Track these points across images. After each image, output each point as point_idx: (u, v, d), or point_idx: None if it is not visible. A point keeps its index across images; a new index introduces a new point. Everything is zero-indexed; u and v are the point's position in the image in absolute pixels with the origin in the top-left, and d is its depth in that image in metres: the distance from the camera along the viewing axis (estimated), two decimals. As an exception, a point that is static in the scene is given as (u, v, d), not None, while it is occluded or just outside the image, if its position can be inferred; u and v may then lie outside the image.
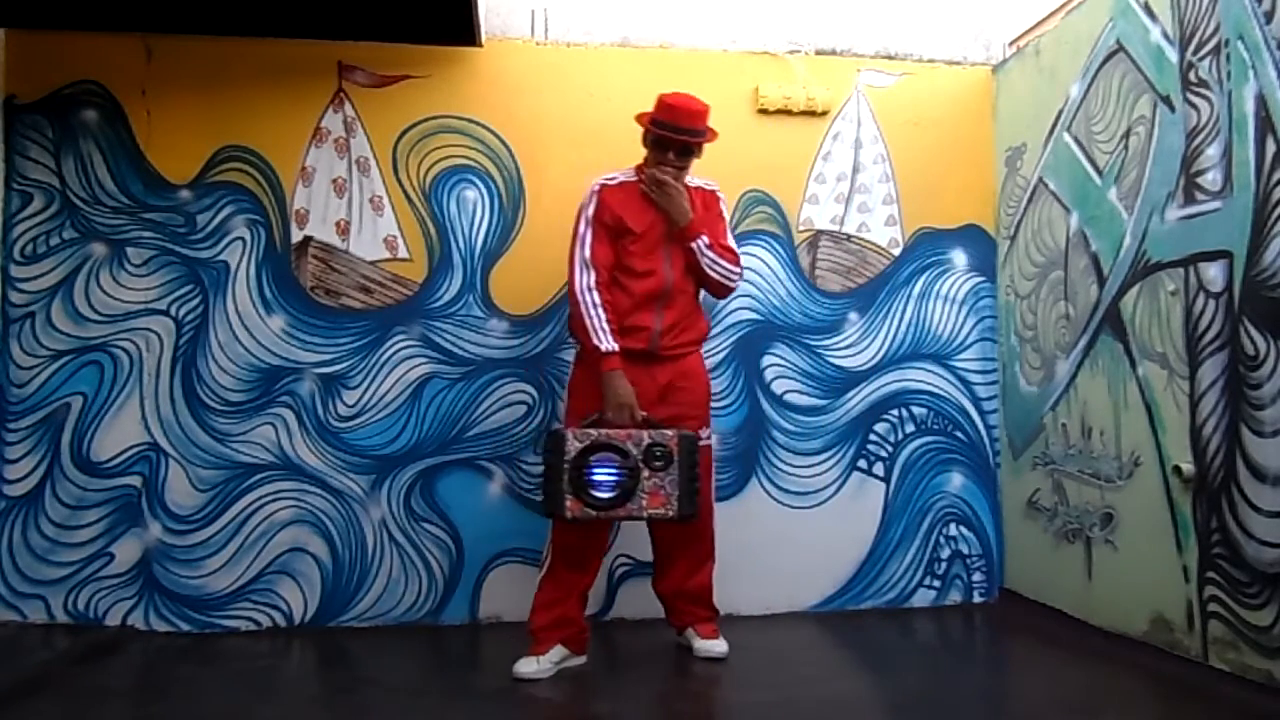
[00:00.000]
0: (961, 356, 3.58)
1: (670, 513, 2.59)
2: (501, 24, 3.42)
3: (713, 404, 3.37)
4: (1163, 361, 2.71)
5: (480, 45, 3.32)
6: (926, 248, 3.58)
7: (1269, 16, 2.35)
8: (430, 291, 3.31)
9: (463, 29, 3.17)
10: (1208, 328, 2.54)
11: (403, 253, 3.32)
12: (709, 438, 2.91)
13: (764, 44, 3.55)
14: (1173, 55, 2.69)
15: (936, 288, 3.58)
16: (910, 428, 3.54)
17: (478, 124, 3.36)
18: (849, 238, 3.55)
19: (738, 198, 3.47)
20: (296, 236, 3.28)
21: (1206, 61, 2.56)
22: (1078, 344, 3.11)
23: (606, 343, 2.69)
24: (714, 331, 3.42)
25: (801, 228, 3.53)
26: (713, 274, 2.85)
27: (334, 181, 3.30)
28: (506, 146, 3.36)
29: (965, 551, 3.54)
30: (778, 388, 3.47)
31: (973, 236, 3.62)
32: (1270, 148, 2.34)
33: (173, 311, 3.21)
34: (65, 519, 3.13)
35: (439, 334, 3.30)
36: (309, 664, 2.82)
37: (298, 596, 3.17)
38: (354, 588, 3.22)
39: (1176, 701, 2.47)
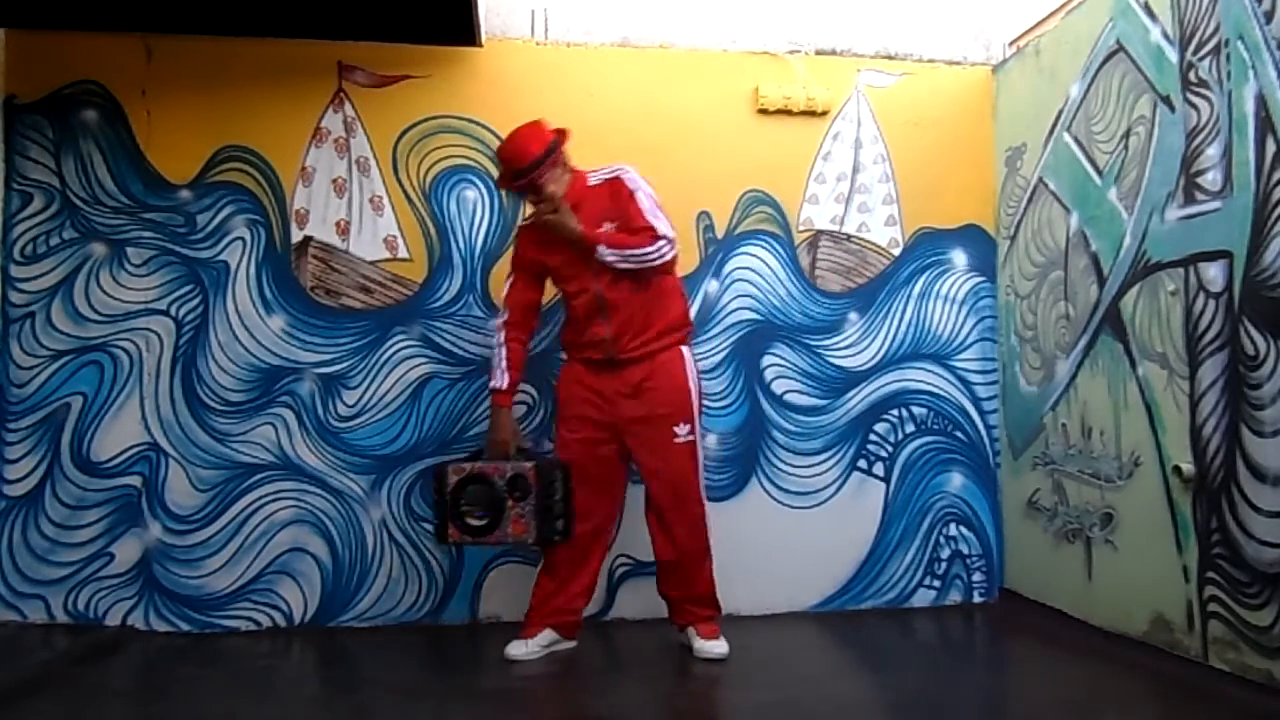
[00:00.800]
0: (961, 356, 3.58)
1: (529, 538, 2.78)
2: (501, 24, 3.42)
3: (713, 404, 3.39)
4: (1163, 361, 2.71)
5: (480, 45, 3.32)
6: (926, 248, 3.58)
7: (1269, 16, 2.35)
8: (430, 291, 3.31)
9: (463, 29, 3.17)
10: (1208, 328, 2.54)
11: (403, 253, 3.32)
12: (689, 435, 2.88)
13: (764, 44, 3.55)
14: (1173, 55, 2.69)
15: (936, 288, 3.58)
16: (910, 428, 3.54)
17: (478, 124, 3.36)
18: (849, 238, 3.55)
19: (738, 198, 3.48)
20: (296, 236, 3.28)
21: (1206, 61, 2.56)
22: (1078, 344, 3.11)
23: (496, 380, 2.92)
24: (714, 331, 3.43)
25: (801, 228, 3.53)
26: (627, 268, 2.80)
27: (334, 181, 3.30)
28: (506, 146, 3.36)
29: (965, 551, 3.54)
30: (778, 388, 3.47)
31: (973, 236, 3.62)
32: (1270, 148, 2.34)
33: (173, 311, 3.21)
34: (65, 519, 3.13)
35: (439, 334, 3.30)
36: (309, 664, 2.82)
37: (298, 596, 3.17)
38: (354, 588, 3.22)
39: (1176, 701, 2.47)
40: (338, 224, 3.30)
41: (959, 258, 3.60)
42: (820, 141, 3.55)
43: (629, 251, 2.77)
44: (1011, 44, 3.66)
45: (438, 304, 3.30)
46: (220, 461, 3.20)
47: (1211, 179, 2.54)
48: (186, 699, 2.52)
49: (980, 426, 3.58)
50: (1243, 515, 2.41)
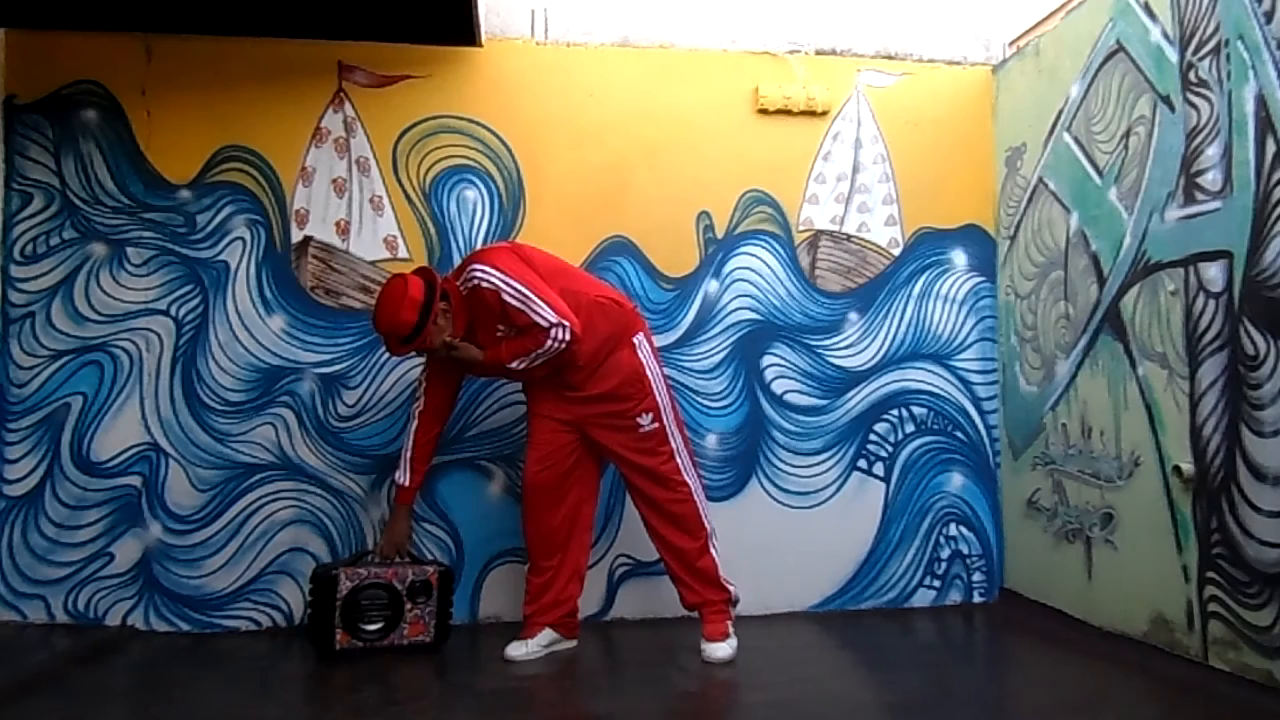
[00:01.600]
0: (961, 356, 3.58)
1: (428, 639, 2.91)
2: (501, 24, 3.42)
3: (713, 404, 3.40)
4: (1163, 361, 2.71)
5: (480, 45, 3.32)
6: (926, 248, 3.59)
7: (1269, 16, 2.35)
8: (430, 291, 3.31)
9: (463, 29, 3.17)
10: (1208, 328, 2.54)
11: (403, 253, 3.32)
12: (653, 423, 2.86)
13: (764, 44, 3.55)
14: (1173, 55, 2.69)
15: (936, 288, 3.58)
16: (910, 428, 3.54)
17: (478, 124, 3.36)
18: (849, 238, 3.55)
19: (738, 198, 3.48)
20: (296, 236, 3.28)
21: (1206, 61, 2.56)
22: (1078, 344, 3.11)
23: (401, 475, 2.94)
24: (714, 331, 3.44)
25: (801, 228, 3.53)
26: (544, 363, 2.78)
27: (334, 181, 3.30)
28: (506, 146, 3.36)
29: (965, 551, 3.54)
30: (778, 388, 3.47)
31: (973, 236, 3.62)
32: (1270, 148, 2.34)
33: (173, 311, 3.21)
34: (65, 519, 3.13)
35: (439, 334, 3.30)
36: (309, 664, 2.82)
37: (298, 596, 3.17)
38: (354, 588, 3.22)
39: (1176, 701, 2.47)
40: (338, 224, 3.30)
41: (959, 258, 3.60)
42: (820, 141, 3.55)
43: (534, 353, 2.74)
44: (1011, 44, 3.66)
45: (438, 304, 3.30)
46: (220, 461, 3.20)
47: (1211, 179, 2.54)
48: (186, 699, 2.52)
49: (980, 426, 3.58)
50: (1243, 515, 2.41)
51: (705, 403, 3.42)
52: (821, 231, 3.54)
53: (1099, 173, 3.02)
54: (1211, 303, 2.53)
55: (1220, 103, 2.51)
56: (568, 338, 2.71)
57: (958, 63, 3.66)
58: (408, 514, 3.02)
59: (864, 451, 3.51)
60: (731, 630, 2.87)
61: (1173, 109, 2.69)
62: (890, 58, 3.62)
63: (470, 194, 3.35)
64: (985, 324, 3.60)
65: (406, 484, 2.94)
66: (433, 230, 3.33)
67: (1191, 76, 2.62)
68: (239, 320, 3.23)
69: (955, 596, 3.53)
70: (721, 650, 2.82)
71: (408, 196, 3.33)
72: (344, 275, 3.29)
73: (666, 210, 3.43)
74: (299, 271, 3.27)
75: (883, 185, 3.58)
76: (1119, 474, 2.90)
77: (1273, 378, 2.32)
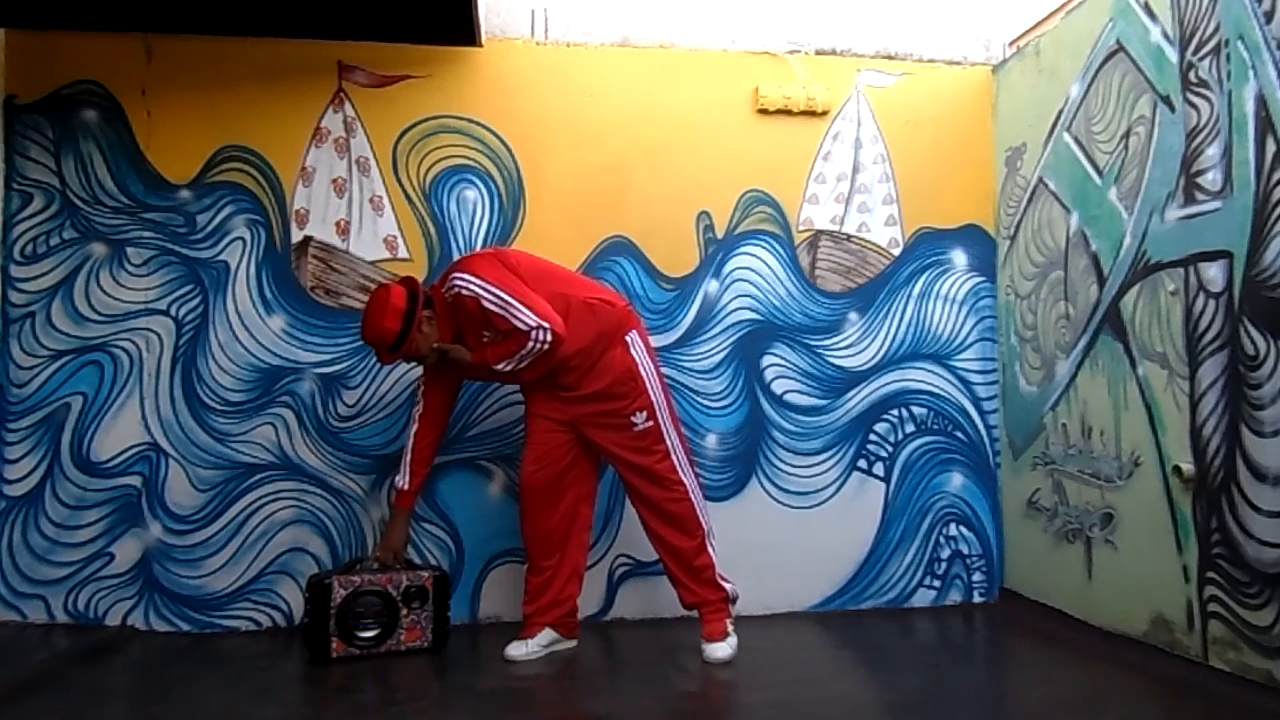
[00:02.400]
0: (961, 356, 3.58)
1: (426, 644, 2.91)
2: (501, 24, 3.42)
3: (713, 404, 3.40)
4: (1163, 361, 2.71)
5: (480, 45, 3.32)
6: (926, 248, 3.59)
7: (1269, 16, 2.35)
8: (430, 291, 3.31)
9: (463, 29, 3.17)
10: (1208, 328, 2.54)
11: (403, 253, 3.32)
12: (647, 421, 2.86)
13: (764, 44, 3.55)
14: (1173, 55, 2.69)
15: (936, 288, 3.58)
16: (910, 428, 3.54)
17: (478, 124, 3.36)
18: (849, 238, 3.55)
19: (738, 198, 3.48)
20: (296, 236, 3.28)
21: (1206, 61, 2.56)
22: (1078, 344, 3.11)
23: (401, 478, 2.95)
24: (714, 331, 3.44)
25: (801, 228, 3.53)
26: (529, 364, 2.79)
27: (334, 181, 3.30)
28: (506, 146, 3.36)
29: (965, 551, 3.54)
30: (778, 388, 3.47)
31: (973, 236, 3.62)
32: (1270, 148, 2.34)
33: (173, 311, 3.21)
34: (65, 519, 3.13)
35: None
36: (309, 664, 2.81)
37: (297, 596, 3.17)
38: (354, 588, 3.22)
39: (1176, 701, 2.47)
40: (338, 224, 3.30)
41: (959, 258, 3.60)
42: (820, 141, 3.55)
43: (518, 355, 2.75)
44: (1011, 44, 3.66)
45: (438, 304, 3.30)
46: (220, 461, 3.20)
47: (1211, 179, 2.54)
48: (186, 699, 2.52)
49: (980, 426, 3.58)
50: (1243, 515, 2.41)
51: (705, 403, 3.42)
52: (821, 231, 3.54)
53: (1099, 173, 3.02)
54: (1211, 303, 2.53)
55: (1220, 103, 2.51)
56: (549, 339, 2.72)
57: (958, 63, 3.66)
58: (406, 519, 3.02)
59: (864, 451, 3.51)
60: (731, 629, 2.87)
61: (1173, 109, 2.69)
62: (890, 58, 3.62)
63: (470, 194, 3.35)
64: (985, 324, 3.60)
65: (405, 487, 2.94)
66: (433, 230, 3.33)
67: (1191, 76, 2.62)
68: (239, 320, 3.23)
69: (955, 596, 3.53)
70: (721, 650, 2.82)
71: (408, 196, 3.33)
72: (344, 275, 3.29)
73: (666, 210, 3.43)
74: (299, 271, 3.27)
75: (883, 185, 3.58)
76: (1119, 474, 2.90)
77: (1273, 378, 2.32)
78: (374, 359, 3.25)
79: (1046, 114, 3.28)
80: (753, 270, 3.47)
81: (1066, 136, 3.19)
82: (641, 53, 3.48)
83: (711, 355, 3.43)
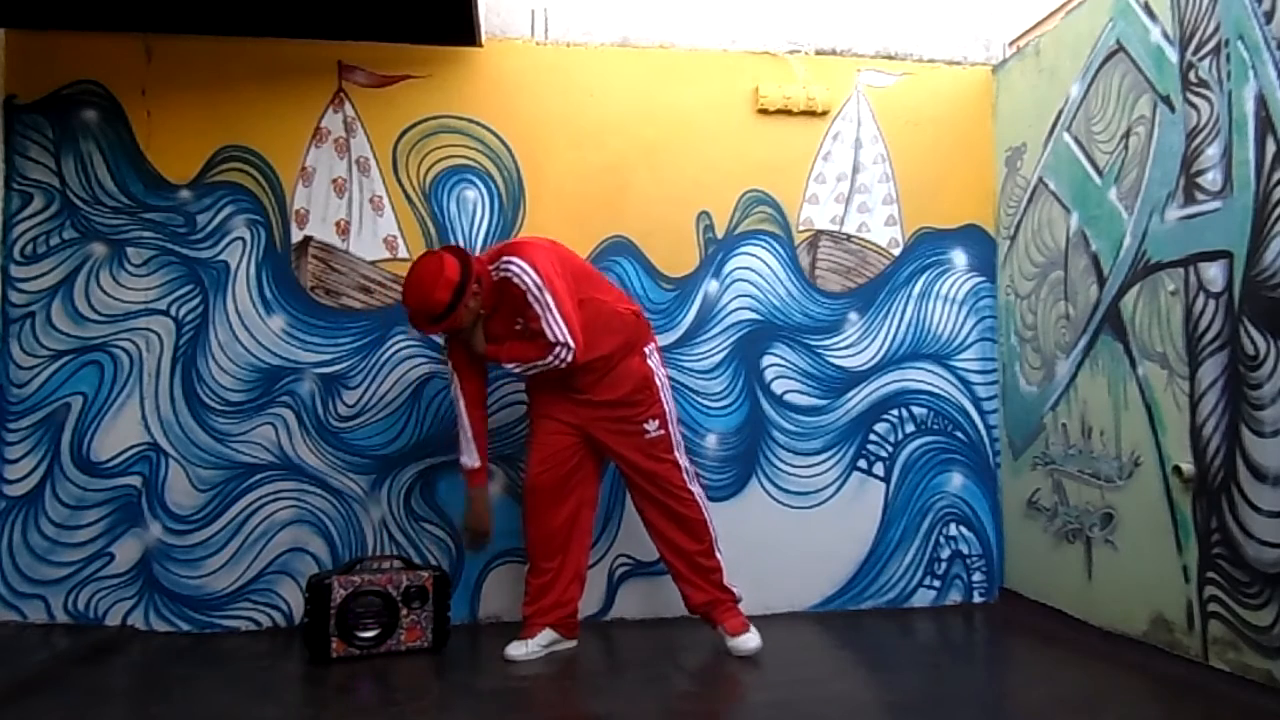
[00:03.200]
0: (961, 356, 3.58)
1: (426, 644, 2.90)
2: (501, 24, 3.42)
3: (713, 404, 3.40)
4: (1163, 361, 2.71)
5: (480, 45, 3.32)
6: (926, 248, 3.59)
7: (1269, 16, 2.35)
8: (430, 291, 3.31)
9: (463, 29, 3.17)
10: (1208, 328, 2.54)
11: (403, 253, 3.32)
12: (659, 429, 2.88)
13: (764, 44, 3.55)
14: (1173, 55, 2.69)
15: (936, 288, 3.58)
16: (910, 428, 3.54)
17: (478, 124, 3.36)
18: (849, 238, 3.55)
19: (738, 198, 3.48)
20: (296, 236, 3.28)
21: (1206, 61, 2.56)
22: (1078, 344, 3.11)
23: (468, 457, 2.89)
24: (714, 331, 3.44)
25: (801, 228, 3.53)
26: (535, 374, 2.82)
27: (334, 181, 3.30)
28: (506, 146, 3.36)
29: (965, 551, 3.54)
30: (778, 388, 3.47)
31: (973, 236, 3.62)
32: (1270, 148, 2.34)
33: (173, 311, 3.21)
34: (65, 519, 3.12)
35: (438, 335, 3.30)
36: (308, 664, 2.81)
37: (297, 596, 3.16)
38: (354, 588, 3.22)
39: (1176, 701, 2.47)
40: (338, 224, 3.30)
41: (959, 258, 3.60)
42: (820, 141, 3.55)
43: (531, 363, 2.78)
44: (1011, 44, 3.66)
45: (438, 304, 3.30)
46: (220, 461, 3.20)
47: (1211, 179, 2.54)
48: (186, 699, 2.52)
49: (980, 426, 3.58)
50: (1243, 515, 2.41)
51: (705, 403, 3.42)
52: (821, 231, 3.54)
53: (1099, 173, 3.02)
54: (1211, 303, 2.53)
55: (1220, 103, 2.51)
56: (569, 359, 2.73)
57: (958, 63, 3.66)
58: (485, 495, 2.96)
59: (864, 451, 3.51)
60: (750, 624, 2.89)
61: (1173, 109, 2.69)
62: (890, 58, 3.62)
63: (470, 194, 3.35)
64: (985, 324, 3.60)
65: (477, 465, 2.88)
66: (433, 230, 3.33)
67: (1191, 76, 2.62)
68: (239, 320, 3.23)
69: (955, 596, 3.53)
70: (750, 641, 2.84)
71: (408, 196, 3.33)
72: (344, 275, 3.29)
73: (666, 210, 3.43)
74: (299, 271, 3.27)
75: (883, 185, 3.58)
76: (1119, 474, 2.90)
77: (1273, 378, 2.32)
78: (374, 359, 3.26)
79: (1046, 114, 3.28)
80: (753, 270, 3.47)
81: (1066, 136, 3.19)
82: (641, 53, 3.48)
83: (711, 355, 3.43)
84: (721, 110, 3.49)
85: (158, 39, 3.23)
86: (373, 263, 3.30)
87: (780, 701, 2.51)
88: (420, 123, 3.34)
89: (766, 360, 3.47)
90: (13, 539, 3.11)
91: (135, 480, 3.16)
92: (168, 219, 3.22)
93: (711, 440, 3.41)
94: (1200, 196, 2.58)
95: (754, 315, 3.47)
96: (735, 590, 2.94)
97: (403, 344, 3.28)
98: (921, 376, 3.55)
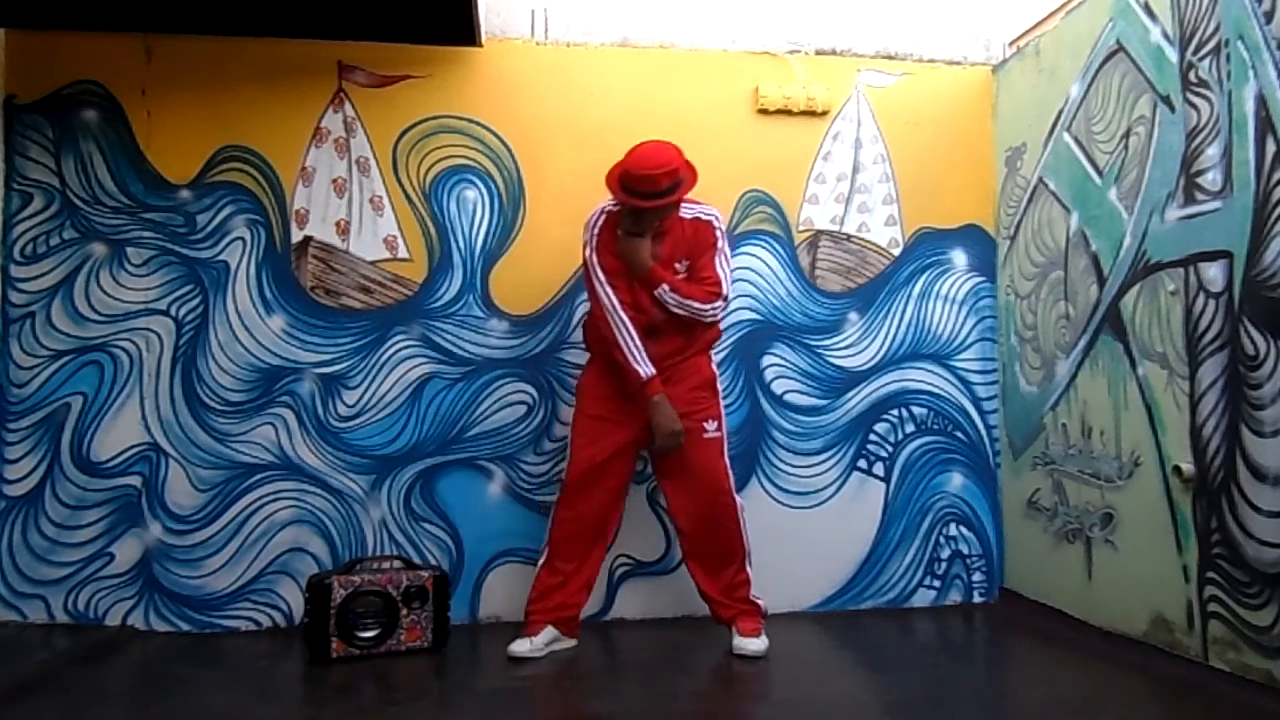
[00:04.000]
0: (961, 356, 3.58)
1: (426, 644, 2.90)
2: (501, 24, 3.42)
3: (713, 404, 3.39)
4: (1163, 361, 2.71)
5: (480, 45, 3.32)
6: (926, 248, 3.58)
7: (1269, 16, 2.35)
8: (430, 291, 3.31)
9: (463, 29, 3.17)
10: (1208, 328, 2.54)
11: (403, 253, 3.32)
12: (717, 430, 2.92)
13: (764, 44, 3.55)
14: (1173, 55, 2.69)
15: (936, 288, 3.58)
16: (910, 428, 3.54)
17: (478, 124, 3.36)
18: (849, 238, 3.55)
19: (738, 198, 3.48)
20: (296, 236, 3.28)
21: (1206, 61, 2.56)
22: (1078, 344, 3.11)
23: (643, 367, 2.78)
24: (714, 331, 3.43)
25: (801, 228, 3.53)
26: (680, 314, 2.84)
27: (334, 181, 3.30)
28: (506, 146, 3.36)
29: (965, 551, 3.54)
30: (778, 388, 3.47)
31: (973, 236, 3.62)
32: (1270, 148, 2.34)
33: (173, 311, 3.21)
34: (65, 519, 3.12)
35: (439, 334, 3.30)
36: (309, 664, 2.81)
37: (298, 596, 3.16)
38: (354, 588, 3.22)
39: (1176, 701, 2.47)
40: (338, 224, 3.30)
41: (959, 258, 3.60)
42: (820, 141, 3.55)
43: (688, 301, 2.82)
44: (1011, 44, 3.66)
45: (438, 304, 3.30)
46: (220, 461, 3.20)
47: (1211, 179, 2.54)
48: (186, 699, 2.52)
49: (980, 426, 3.58)
50: (1243, 515, 2.41)
51: (705, 403, 3.42)
52: (821, 231, 3.54)
53: (1099, 173, 3.02)
54: (1211, 303, 2.53)
55: (1220, 103, 2.51)
56: (719, 315, 2.91)
57: (958, 63, 3.66)
58: (667, 399, 2.80)
59: (864, 451, 3.51)
60: (763, 631, 2.89)
61: (1173, 109, 2.69)
62: (890, 58, 3.62)
63: (470, 194, 3.35)
64: (985, 324, 3.60)
65: (652, 372, 2.78)
66: (433, 230, 3.33)
67: (1191, 76, 2.62)
68: (239, 320, 3.23)
69: (955, 596, 3.53)
70: (755, 644, 2.84)
71: (408, 196, 3.33)
72: (344, 275, 3.29)
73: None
74: (299, 271, 3.27)
75: (883, 185, 3.58)
76: (1119, 474, 2.90)
77: (1273, 378, 2.32)
78: (374, 359, 3.26)
79: (1046, 114, 3.28)
80: (753, 270, 3.47)
81: (1066, 136, 3.19)
82: (641, 53, 3.48)
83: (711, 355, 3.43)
84: (721, 110, 3.49)
85: (158, 39, 3.23)
86: (373, 263, 3.30)
87: (780, 701, 2.51)
88: (420, 123, 3.34)
89: (766, 360, 3.47)
90: (13, 539, 3.11)
91: (135, 480, 3.16)
92: (168, 219, 3.22)
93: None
94: (1200, 196, 2.58)
95: (754, 315, 3.47)
96: (760, 602, 2.95)
97: (403, 344, 3.28)
98: (921, 376, 3.55)
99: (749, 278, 3.47)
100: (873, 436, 3.51)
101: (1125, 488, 2.88)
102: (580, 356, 3.19)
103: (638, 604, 3.33)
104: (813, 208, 3.54)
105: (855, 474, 3.50)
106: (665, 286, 2.81)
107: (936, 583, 3.52)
